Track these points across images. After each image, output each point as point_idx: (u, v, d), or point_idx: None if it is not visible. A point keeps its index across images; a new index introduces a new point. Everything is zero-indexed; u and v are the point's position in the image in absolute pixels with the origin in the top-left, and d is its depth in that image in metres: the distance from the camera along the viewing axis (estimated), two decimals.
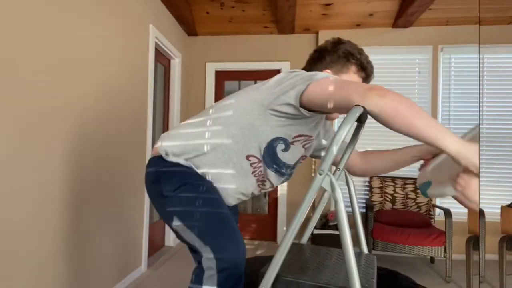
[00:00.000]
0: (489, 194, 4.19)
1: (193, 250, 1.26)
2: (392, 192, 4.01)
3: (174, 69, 4.34)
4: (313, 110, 1.18)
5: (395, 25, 4.26)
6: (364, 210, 3.99)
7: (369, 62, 1.41)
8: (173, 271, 3.45)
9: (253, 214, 4.76)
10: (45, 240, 2.05)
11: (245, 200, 1.56)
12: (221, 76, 4.82)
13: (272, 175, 1.37)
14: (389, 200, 3.97)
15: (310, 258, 1.35)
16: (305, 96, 1.13)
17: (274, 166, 1.35)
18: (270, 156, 1.31)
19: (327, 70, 1.38)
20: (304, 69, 1.45)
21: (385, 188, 4.02)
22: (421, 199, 3.92)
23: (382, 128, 4.11)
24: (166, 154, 1.33)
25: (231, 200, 1.39)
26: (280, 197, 4.58)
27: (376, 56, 4.37)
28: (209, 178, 1.32)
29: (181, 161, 1.32)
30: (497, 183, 4.20)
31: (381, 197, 4.00)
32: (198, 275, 1.20)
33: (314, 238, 3.94)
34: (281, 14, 4.01)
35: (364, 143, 4.28)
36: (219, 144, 1.30)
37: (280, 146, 1.29)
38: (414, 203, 3.93)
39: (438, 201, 4.18)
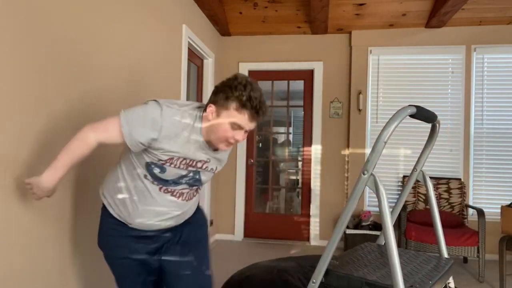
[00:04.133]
0: (489, 194, 4.19)
1: None
2: (425, 192, 4.03)
3: (207, 69, 4.41)
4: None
5: (428, 25, 4.25)
6: None
7: (250, 99, 1.36)
8: None
9: (285, 215, 4.82)
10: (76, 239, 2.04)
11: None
12: (254, 76, 4.86)
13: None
14: (422, 200, 4.00)
15: (375, 258, 1.39)
16: None
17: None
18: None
19: (210, 105, 1.42)
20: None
21: (418, 188, 4.04)
22: (454, 199, 3.93)
23: (416, 128, 4.14)
24: None
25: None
26: (313, 197, 4.63)
27: (409, 56, 4.39)
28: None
29: None
30: (497, 183, 4.20)
31: (414, 197, 4.02)
32: None
33: (347, 238, 3.99)
34: (314, 14, 4.03)
35: (396, 143, 4.32)
36: None
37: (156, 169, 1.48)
38: (447, 203, 3.94)
39: (471, 201, 4.19)
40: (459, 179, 4.06)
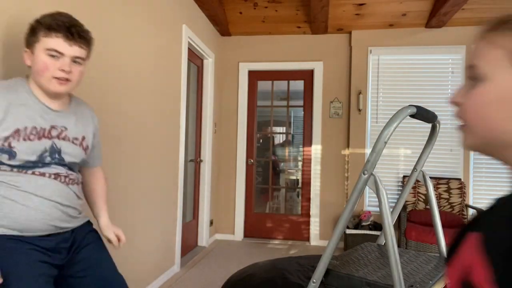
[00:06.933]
0: (489, 194, 4.20)
1: None
2: (425, 192, 4.03)
3: (207, 69, 4.41)
4: None
5: (428, 25, 4.25)
6: None
7: (56, 19, 1.27)
8: (206, 271, 3.48)
9: (286, 215, 4.82)
10: None
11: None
12: (254, 76, 4.88)
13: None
14: (422, 200, 4.00)
15: (375, 258, 1.39)
16: None
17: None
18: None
19: (25, 50, 1.31)
20: None
21: (418, 188, 4.04)
22: (454, 199, 3.93)
23: (416, 128, 4.14)
24: None
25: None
26: (313, 197, 4.63)
27: (409, 56, 4.38)
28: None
29: None
30: (497, 183, 4.21)
31: (414, 197, 4.02)
32: None
33: (347, 238, 3.99)
34: (314, 14, 4.03)
35: (396, 143, 4.32)
36: None
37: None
38: (447, 203, 3.94)
39: (471, 201, 4.19)
40: (459, 179, 4.06)
